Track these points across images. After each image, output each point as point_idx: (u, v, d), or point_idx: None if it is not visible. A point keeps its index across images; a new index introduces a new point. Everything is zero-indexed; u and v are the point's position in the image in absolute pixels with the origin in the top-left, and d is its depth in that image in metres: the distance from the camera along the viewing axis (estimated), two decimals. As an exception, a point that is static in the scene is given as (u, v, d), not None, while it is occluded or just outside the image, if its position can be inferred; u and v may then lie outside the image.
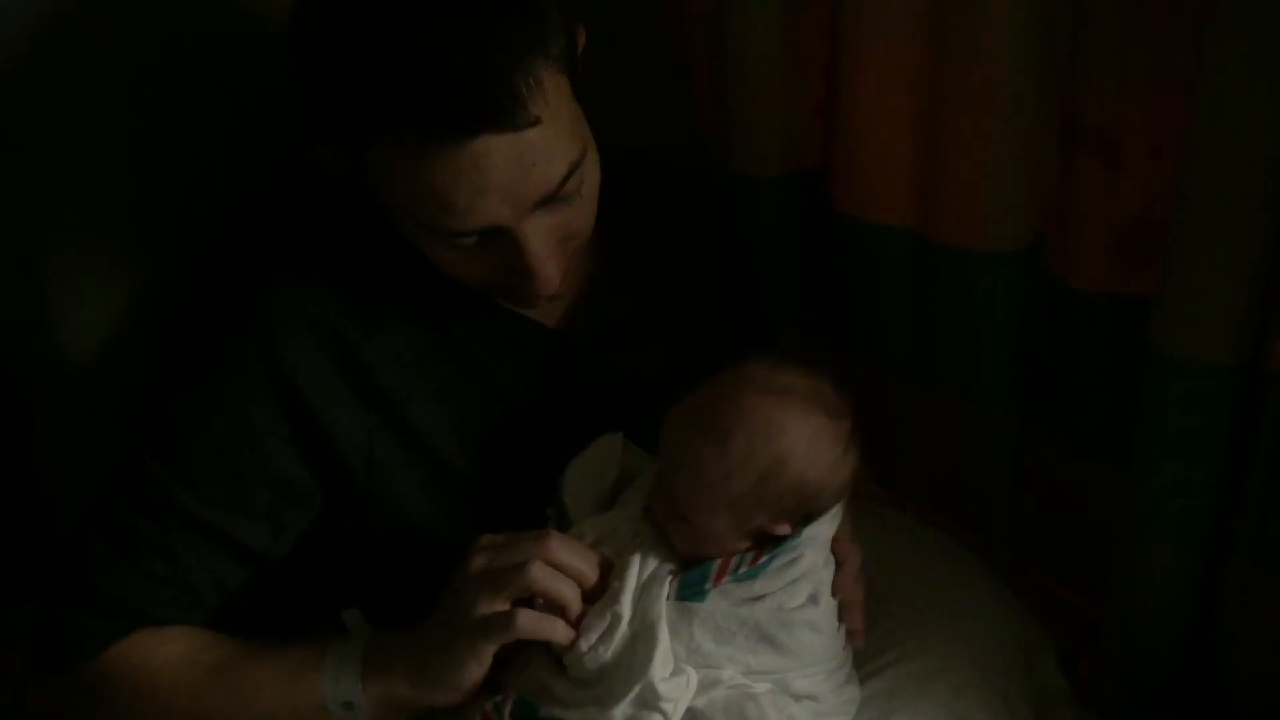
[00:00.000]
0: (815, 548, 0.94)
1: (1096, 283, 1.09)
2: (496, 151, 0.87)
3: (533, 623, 0.89)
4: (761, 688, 0.91)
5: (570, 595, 0.91)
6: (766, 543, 0.94)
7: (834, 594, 0.95)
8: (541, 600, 0.91)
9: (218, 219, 1.16)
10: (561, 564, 0.91)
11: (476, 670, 0.92)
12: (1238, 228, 0.93)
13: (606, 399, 1.06)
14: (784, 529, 0.93)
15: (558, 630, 0.90)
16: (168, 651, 0.99)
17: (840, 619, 0.96)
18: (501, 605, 0.90)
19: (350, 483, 1.01)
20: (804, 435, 0.92)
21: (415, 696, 0.94)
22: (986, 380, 1.22)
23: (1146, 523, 1.07)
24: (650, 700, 0.87)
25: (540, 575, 0.89)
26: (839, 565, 0.96)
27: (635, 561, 0.93)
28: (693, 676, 0.90)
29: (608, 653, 0.89)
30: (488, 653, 0.91)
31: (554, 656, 0.92)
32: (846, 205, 1.23)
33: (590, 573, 0.92)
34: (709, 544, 0.94)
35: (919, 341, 1.26)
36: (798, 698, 0.93)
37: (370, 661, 0.95)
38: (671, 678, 0.89)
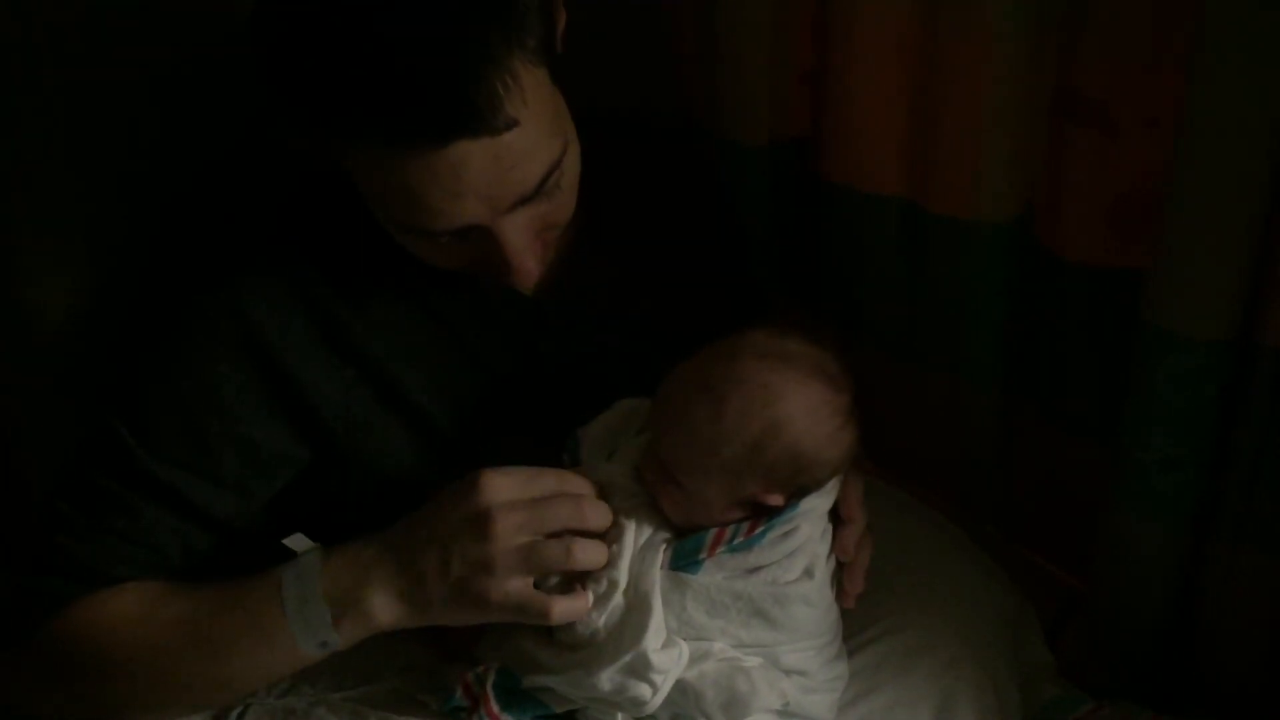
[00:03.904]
0: (812, 520, 0.93)
1: (1089, 255, 1.08)
2: (473, 157, 0.84)
3: (566, 611, 0.88)
4: (752, 661, 0.91)
5: (602, 559, 0.90)
6: (761, 513, 0.93)
7: (834, 552, 0.94)
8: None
9: (183, 182, 1.13)
10: (595, 531, 0.90)
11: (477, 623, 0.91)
12: (1232, 201, 0.93)
13: (582, 367, 1.05)
14: (776, 500, 0.92)
15: (583, 606, 0.89)
16: (121, 607, 0.95)
17: (837, 578, 0.95)
18: (531, 582, 0.89)
19: (330, 442, 0.99)
20: (801, 404, 0.91)
21: (395, 628, 0.92)
22: (973, 354, 1.22)
23: (1134, 499, 1.06)
24: (640, 670, 0.87)
25: (582, 556, 0.89)
26: (843, 524, 0.95)
27: (631, 527, 0.92)
28: (685, 649, 0.89)
29: (600, 620, 0.89)
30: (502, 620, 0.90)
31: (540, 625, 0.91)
32: (835, 174, 1.22)
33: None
34: (699, 511, 0.93)
35: (906, 314, 1.25)
36: (787, 672, 0.93)
37: (339, 598, 0.91)
38: (664, 649, 0.88)
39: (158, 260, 1.09)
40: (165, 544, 0.98)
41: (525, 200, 0.89)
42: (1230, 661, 1.10)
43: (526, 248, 0.92)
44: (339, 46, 0.82)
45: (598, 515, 0.91)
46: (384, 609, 0.91)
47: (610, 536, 0.92)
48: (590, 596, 0.89)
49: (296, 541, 0.94)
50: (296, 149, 0.92)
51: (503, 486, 0.90)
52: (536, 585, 0.90)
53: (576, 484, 0.92)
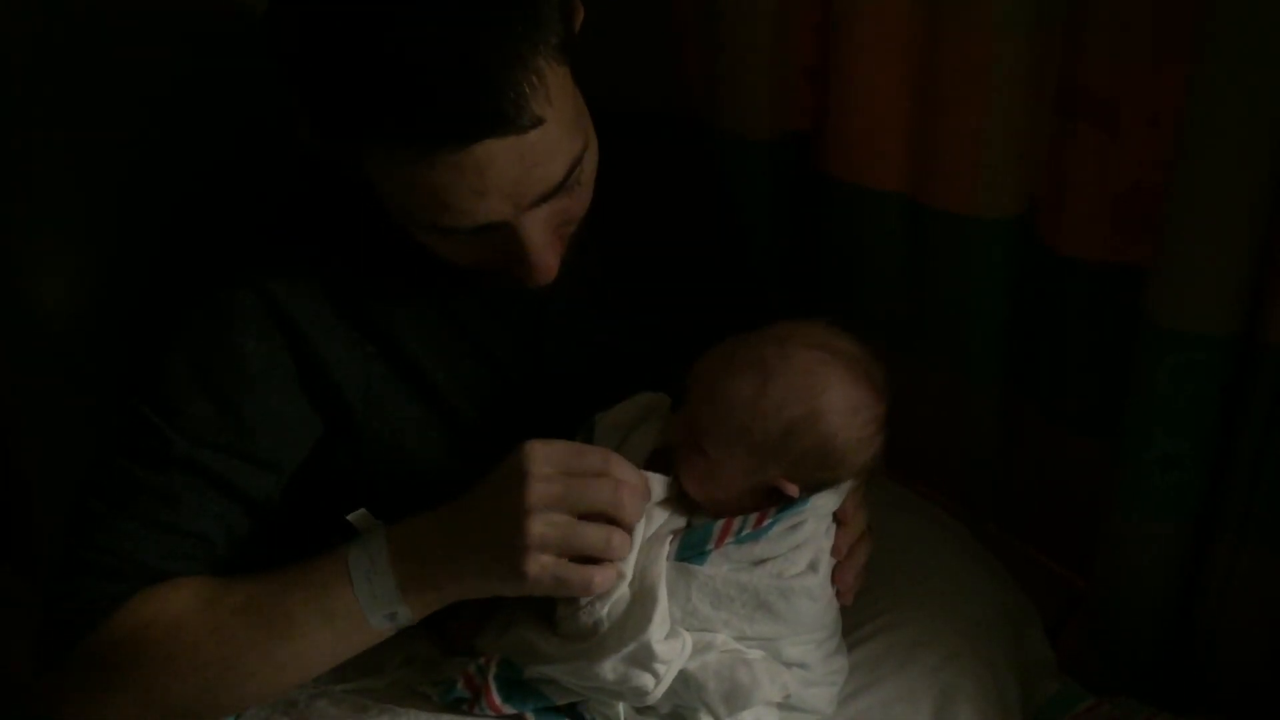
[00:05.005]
0: (819, 517, 0.94)
1: (1091, 251, 1.09)
2: (499, 155, 0.84)
3: (607, 581, 0.88)
4: (754, 654, 0.91)
5: (623, 558, 0.90)
6: (771, 504, 0.93)
7: (832, 553, 0.95)
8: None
9: (184, 180, 1.13)
10: (630, 522, 0.89)
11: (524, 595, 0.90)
12: (1234, 198, 0.93)
13: (586, 366, 1.05)
14: (792, 489, 0.92)
15: (613, 577, 0.89)
16: (180, 601, 0.92)
17: (832, 577, 0.96)
18: (566, 558, 0.88)
19: (347, 417, 0.99)
20: (844, 401, 0.92)
21: (454, 599, 0.91)
22: (975, 351, 1.22)
23: (1136, 497, 1.07)
24: (644, 660, 0.87)
25: (620, 546, 0.88)
26: (839, 524, 0.96)
27: (640, 519, 0.91)
28: (688, 640, 0.89)
29: (603, 610, 0.88)
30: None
31: (541, 614, 0.91)
32: (838, 169, 1.22)
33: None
34: (717, 487, 0.93)
35: (907, 310, 1.25)
36: (788, 665, 0.93)
37: (404, 569, 0.90)
38: (668, 640, 0.88)
39: (171, 253, 1.08)
40: (210, 532, 0.95)
41: (547, 197, 0.89)
42: (1231, 658, 1.10)
43: (547, 244, 0.92)
44: (362, 50, 0.82)
45: (635, 506, 0.89)
46: (448, 579, 0.90)
47: None
48: (618, 566, 0.89)
49: (360, 518, 0.93)
50: (312, 150, 0.92)
51: (544, 457, 0.88)
52: None
53: (623, 469, 0.90)
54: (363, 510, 0.93)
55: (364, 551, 0.91)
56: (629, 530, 0.89)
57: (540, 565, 0.86)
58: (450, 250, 0.93)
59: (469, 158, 0.83)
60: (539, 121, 0.84)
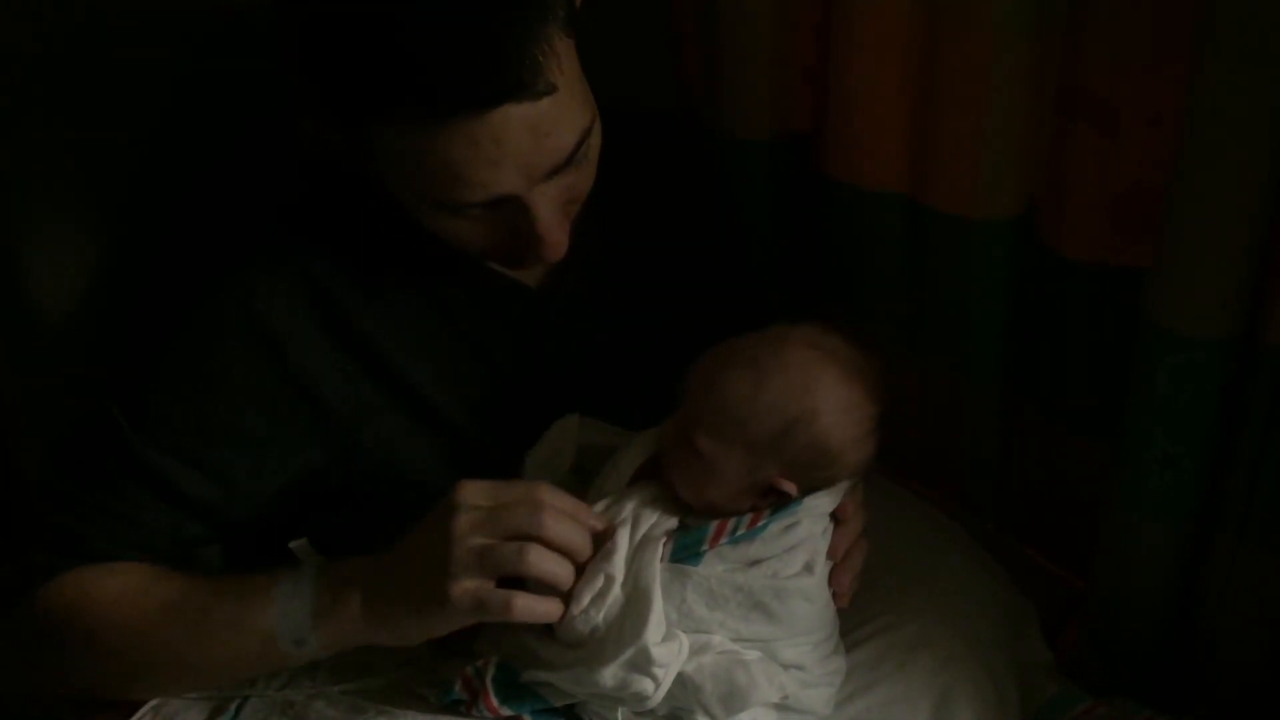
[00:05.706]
0: (814, 517, 0.93)
1: (1091, 252, 1.08)
2: (514, 123, 0.86)
3: (529, 609, 0.87)
4: (751, 655, 0.91)
5: (565, 576, 0.88)
6: (765, 505, 0.93)
7: (828, 554, 0.95)
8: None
9: (186, 179, 1.14)
10: (556, 541, 0.88)
11: (445, 632, 0.90)
12: (1234, 199, 0.93)
13: (585, 366, 1.05)
14: (790, 487, 0.92)
15: (551, 610, 0.88)
16: (115, 584, 0.96)
17: (829, 579, 0.95)
18: (490, 582, 0.87)
19: (336, 433, 0.99)
20: (839, 400, 0.92)
21: (369, 639, 0.92)
22: (975, 351, 1.22)
23: (1135, 497, 1.06)
24: (642, 664, 0.86)
25: (537, 561, 0.87)
26: (838, 524, 0.96)
27: (627, 523, 0.91)
28: (685, 642, 0.89)
29: (599, 616, 0.88)
30: (466, 624, 0.90)
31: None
32: (837, 170, 1.22)
33: (584, 546, 0.90)
34: (712, 487, 0.93)
35: (907, 310, 1.25)
36: (785, 667, 0.92)
37: (323, 600, 0.92)
38: (664, 643, 0.88)
39: (167, 255, 1.09)
40: (153, 525, 0.98)
41: (557, 170, 0.90)
42: (1231, 660, 1.09)
43: (557, 221, 0.93)
44: (376, 25, 0.83)
45: (560, 527, 0.88)
46: (365, 617, 0.91)
47: (605, 532, 0.91)
48: (560, 604, 0.88)
49: (301, 549, 0.95)
50: (314, 145, 0.92)
51: (472, 492, 0.89)
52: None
53: (550, 494, 0.90)
54: (303, 540, 0.95)
55: (293, 576, 0.93)
56: (564, 552, 0.88)
57: (462, 589, 0.87)
58: (457, 232, 0.94)
59: (485, 126, 0.85)
60: (553, 88, 0.86)
